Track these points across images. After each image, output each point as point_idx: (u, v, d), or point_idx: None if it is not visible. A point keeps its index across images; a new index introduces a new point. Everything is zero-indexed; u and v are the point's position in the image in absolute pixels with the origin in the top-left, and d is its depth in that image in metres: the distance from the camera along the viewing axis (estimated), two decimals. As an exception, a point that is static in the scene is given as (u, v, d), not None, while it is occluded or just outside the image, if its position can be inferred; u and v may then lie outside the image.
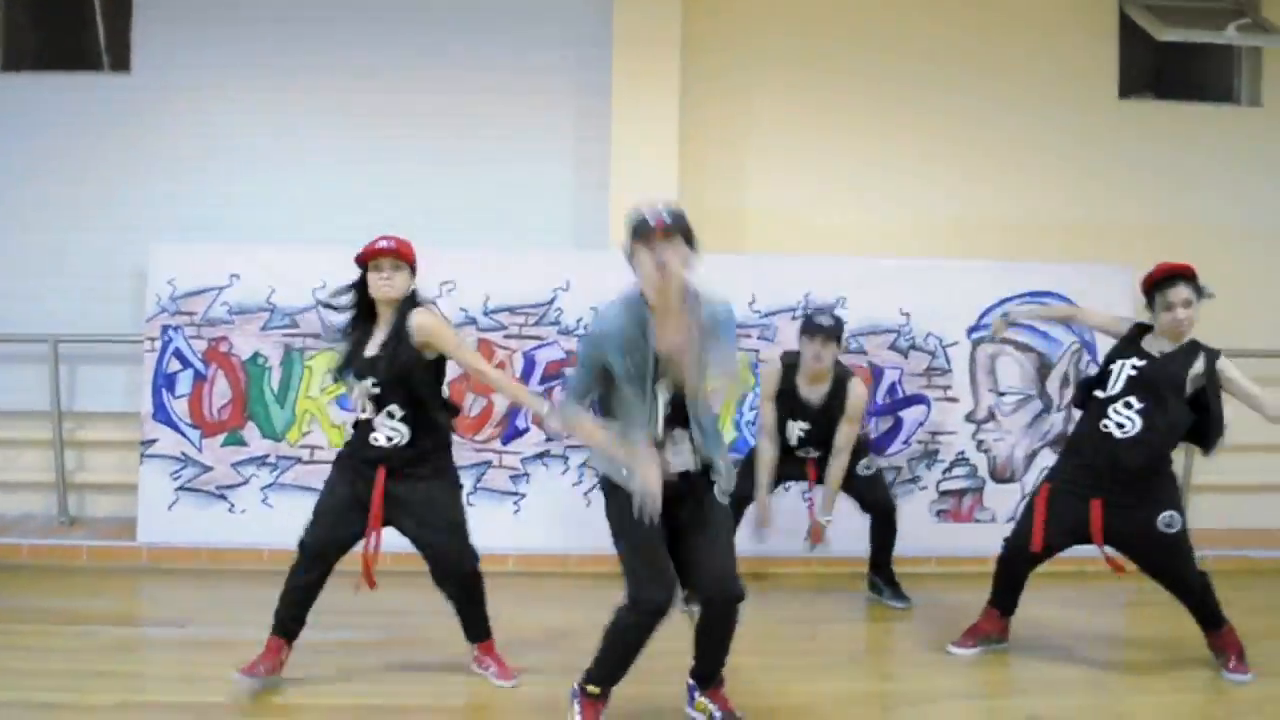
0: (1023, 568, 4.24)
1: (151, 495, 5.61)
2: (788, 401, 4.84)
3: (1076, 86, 6.50)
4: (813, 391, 4.81)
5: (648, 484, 3.05)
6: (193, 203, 6.13)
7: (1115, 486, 3.96)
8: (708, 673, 3.45)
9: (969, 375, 5.85)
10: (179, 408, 5.66)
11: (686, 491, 3.23)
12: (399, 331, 3.69)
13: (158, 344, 5.66)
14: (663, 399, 3.18)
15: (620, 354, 3.14)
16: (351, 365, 3.75)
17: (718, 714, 3.42)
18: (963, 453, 5.84)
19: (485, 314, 5.69)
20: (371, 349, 3.73)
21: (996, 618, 4.32)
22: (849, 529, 5.11)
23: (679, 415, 3.21)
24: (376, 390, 3.69)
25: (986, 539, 5.61)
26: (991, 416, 5.86)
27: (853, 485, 4.97)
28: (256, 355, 5.68)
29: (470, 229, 5.99)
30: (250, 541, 5.49)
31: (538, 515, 5.64)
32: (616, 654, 3.30)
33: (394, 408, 3.70)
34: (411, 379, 3.68)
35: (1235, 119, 6.64)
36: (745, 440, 5.60)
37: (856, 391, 4.79)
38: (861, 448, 5.00)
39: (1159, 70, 6.80)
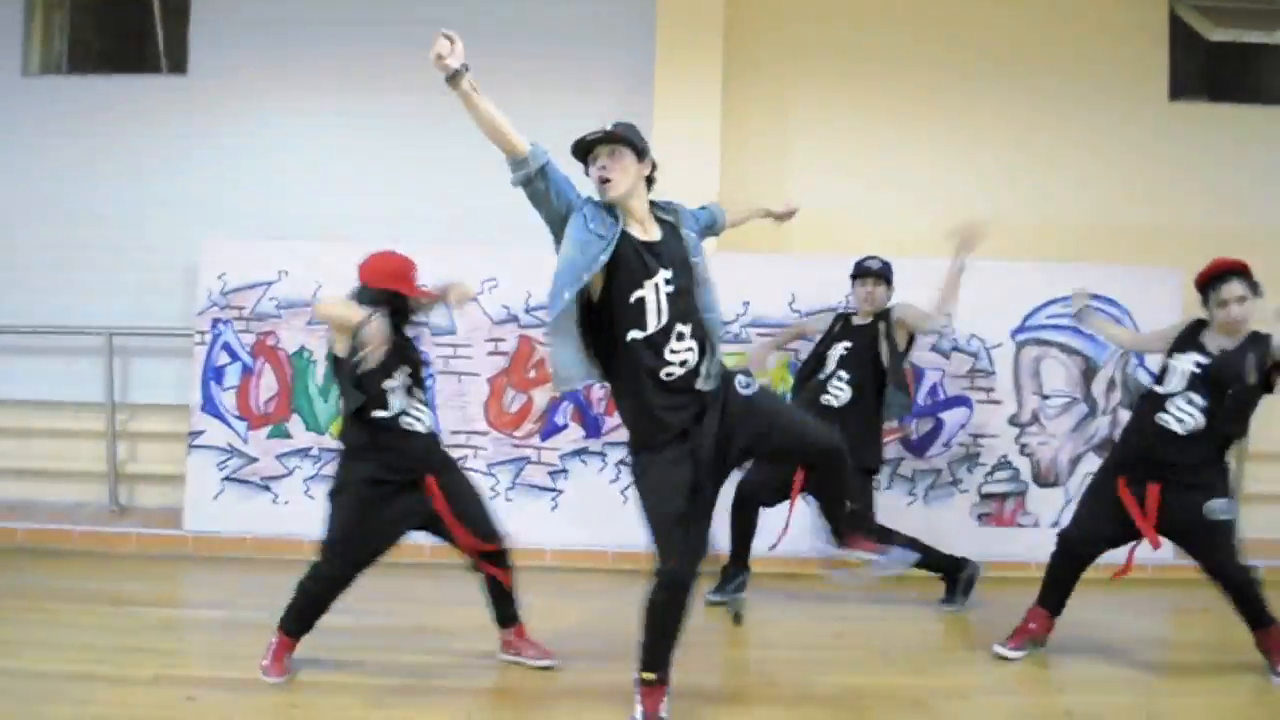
0: (1080, 563, 4.17)
1: (198, 485, 5.73)
2: (837, 331, 4.94)
3: (1126, 88, 6.40)
4: (861, 320, 4.92)
5: None
6: (244, 200, 6.28)
7: (1172, 477, 3.94)
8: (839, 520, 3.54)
9: (1013, 377, 5.78)
10: (227, 400, 5.78)
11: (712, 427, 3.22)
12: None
13: (208, 337, 5.79)
14: (662, 292, 3.20)
15: (582, 212, 3.23)
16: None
17: (870, 556, 3.56)
18: (1005, 456, 5.76)
19: (527, 311, 5.74)
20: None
21: (1045, 618, 4.23)
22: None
23: (678, 313, 3.21)
24: (410, 381, 3.82)
25: (1029, 543, 5.57)
26: (1035, 419, 5.77)
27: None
28: (302, 350, 5.78)
29: (513, 227, 5.97)
30: (293, 531, 5.56)
31: (575, 511, 5.66)
32: (653, 634, 3.27)
33: (417, 390, 3.85)
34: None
35: (1291, 121, 6.51)
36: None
37: (901, 306, 4.91)
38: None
39: (1212, 72, 6.67)
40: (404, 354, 3.81)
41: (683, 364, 3.19)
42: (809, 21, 6.41)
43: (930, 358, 5.74)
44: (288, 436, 5.75)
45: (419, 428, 3.80)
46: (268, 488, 5.72)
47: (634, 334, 3.18)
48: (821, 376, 4.83)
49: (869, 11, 6.43)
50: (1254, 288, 3.92)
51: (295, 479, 5.72)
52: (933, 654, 4.40)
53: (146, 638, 4.15)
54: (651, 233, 3.28)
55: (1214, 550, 3.95)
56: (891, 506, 5.42)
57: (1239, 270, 3.92)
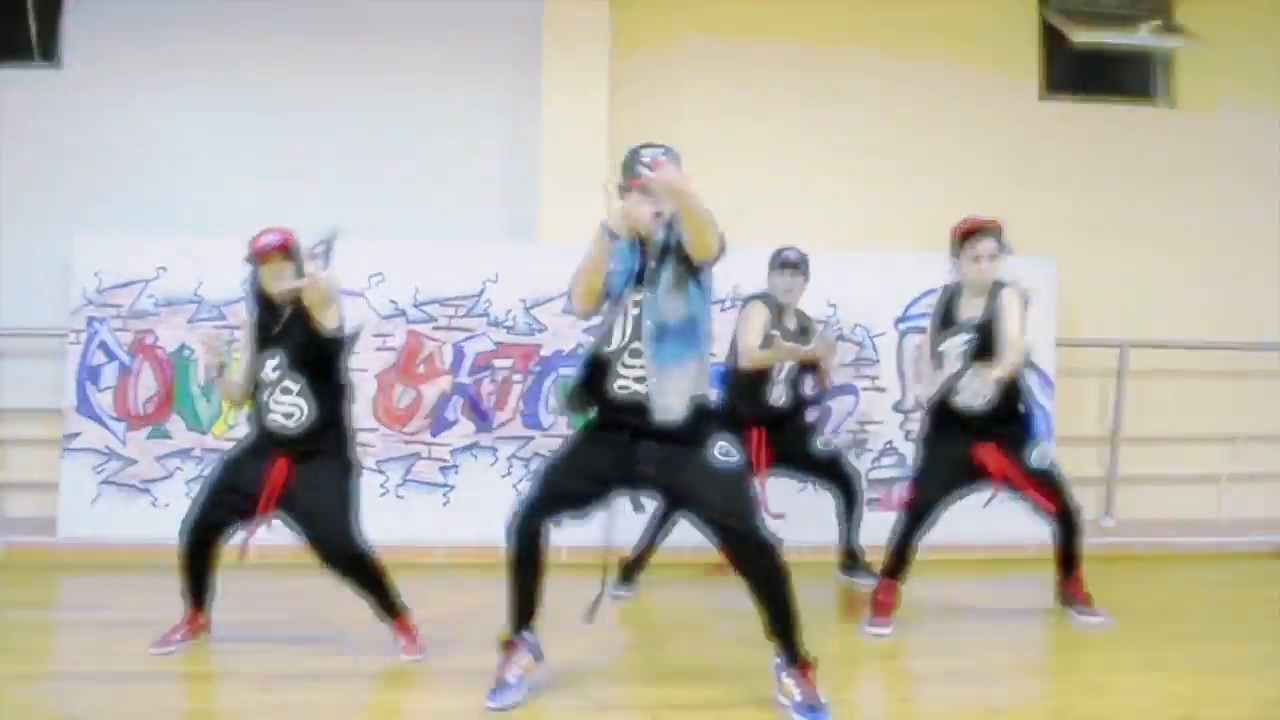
0: (928, 525, 4.33)
1: (73, 490, 5.51)
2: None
3: (999, 87, 6.68)
4: (790, 322, 4.86)
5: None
6: (120, 195, 6.08)
7: (996, 430, 4.19)
8: (777, 644, 3.27)
9: (896, 365, 5.93)
10: (103, 401, 5.58)
11: (658, 457, 3.22)
12: (298, 310, 3.73)
13: (83, 336, 5.59)
14: (630, 313, 3.24)
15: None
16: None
17: (797, 697, 3.20)
18: (891, 442, 5.90)
19: (415, 305, 5.69)
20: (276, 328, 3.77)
21: (895, 587, 4.34)
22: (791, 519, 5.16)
23: (638, 333, 3.22)
24: (276, 372, 3.72)
25: (916, 527, 5.70)
26: (919, 406, 5.91)
27: (811, 465, 4.98)
28: (183, 348, 5.62)
29: (400, 221, 5.99)
30: (174, 536, 5.33)
31: (467, 507, 5.61)
32: (509, 592, 3.41)
33: (289, 383, 3.72)
34: (310, 353, 3.73)
35: (1152, 120, 6.84)
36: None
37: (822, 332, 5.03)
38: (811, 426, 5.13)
39: (1081, 72, 6.97)
40: (278, 341, 3.72)
41: (639, 380, 3.23)
42: (696, 27, 6.54)
43: (818, 347, 5.85)
44: (168, 437, 5.59)
45: (285, 424, 3.72)
46: (147, 490, 5.54)
47: (601, 347, 3.29)
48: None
49: (754, 19, 6.56)
50: (1003, 246, 4.18)
51: (176, 481, 5.55)
52: (823, 627, 4.45)
53: (12, 638, 3.98)
54: (649, 253, 3.28)
55: (1051, 494, 4.20)
56: (782, 493, 5.47)
57: (992, 229, 4.18)
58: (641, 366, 3.22)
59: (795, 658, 3.24)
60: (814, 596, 4.79)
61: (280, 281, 3.70)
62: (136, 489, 5.54)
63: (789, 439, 4.87)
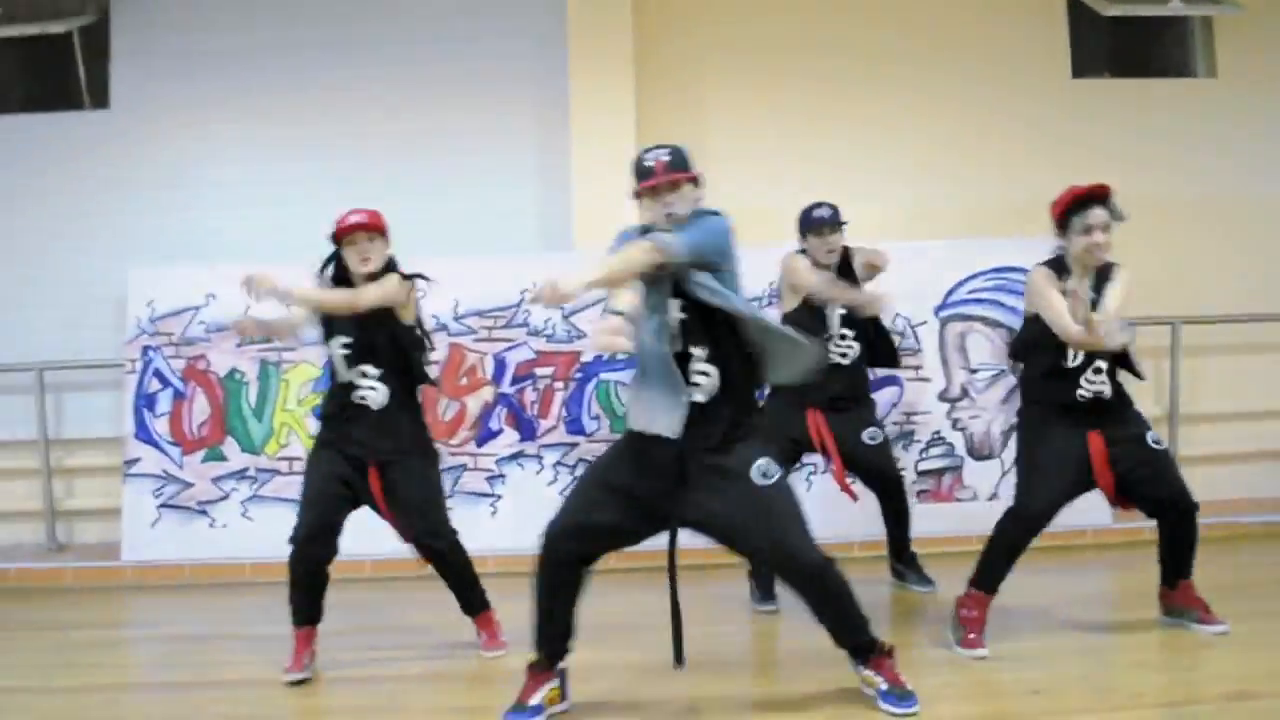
0: (1035, 535, 3.82)
1: (134, 514, 5.69)
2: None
3: (1029, 68, 6.58)
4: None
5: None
6: (170, 229, 6.30)
7: (1109, 422, 3.80)
8: (843, 643, 3.20)
9: (939, 354, 5.87)
10: (160, 426, 5.76)
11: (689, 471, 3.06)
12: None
13: (138, 365, 5.78)
14: (672, 312, 3.08)
15: None
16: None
17: (883, 685, 3.16)
18: (939, 432, 5.83)
19: (455, 319, 5.78)
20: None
21: (985, 600, 3.89)
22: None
23: (699, 336, 3.08)
24: (346, 350, 3.76)
25: (968, 518, 5.60)
26: (965, 394, 5.85)
27: (857, 456, 4.72)
28: (234, 371, 5.78)
29: (438, 237, 6.05)
30: (231, 555, 5.54)
31: (515, 516, 5.65)
32: (535, 615, 3.26)
33: (368, 366, 3.77)
34: (388, 336, 3.78)
35: (1191, 91, 6.68)
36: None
37: (863, 252, 4.75)
38: (870, 417, 4.83)
39: (1114, 48, 6.87)
40: (345, 322, 3.77)
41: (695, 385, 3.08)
42: (718, 24, 6.55)
43: (857, 339, 5.81)
44: (223, 459, 5.73)
45: (367, 403, 3.76)
46: (204, 512, 5.69)
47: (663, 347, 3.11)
48: (824, 336, 4.59)
49: (774, 13, 6.57)
50: (1115, 213, 3.73)
51: (232, 501, 5.69)
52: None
53: (76, 654, 4.14)
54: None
55: (1167, 480, 3.76)
56: (831, 489, 5.44)
57: (1102, 196, 3.72)
58: (703, 374, 3.07)
59: (871, 650, 3.19)
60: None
61: (367, 262, 3.80)
62: (194, 511, 5.69)
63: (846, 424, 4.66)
